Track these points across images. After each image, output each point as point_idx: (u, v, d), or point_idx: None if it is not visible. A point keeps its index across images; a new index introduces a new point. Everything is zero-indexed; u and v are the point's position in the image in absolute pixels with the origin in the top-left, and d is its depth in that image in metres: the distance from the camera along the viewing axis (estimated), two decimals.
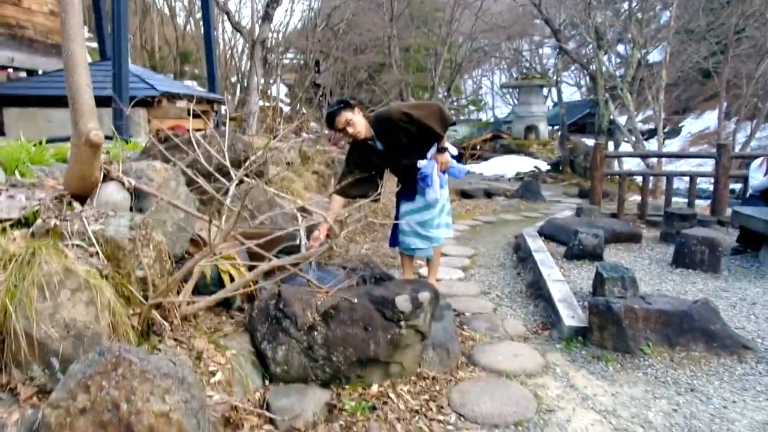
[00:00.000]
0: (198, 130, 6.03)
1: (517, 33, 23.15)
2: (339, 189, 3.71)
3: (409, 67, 27.00)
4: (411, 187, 3.77)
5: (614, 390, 2.77)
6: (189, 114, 3.19)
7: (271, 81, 29.83)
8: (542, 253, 4.92)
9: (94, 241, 2.22)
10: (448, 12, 21.60)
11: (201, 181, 2.73)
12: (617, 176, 7.87)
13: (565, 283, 4.11)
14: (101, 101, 2.42)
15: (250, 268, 3.27)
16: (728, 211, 7.07)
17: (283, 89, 35.63)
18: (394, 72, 21.50)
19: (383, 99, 25.47)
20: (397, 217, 3.94)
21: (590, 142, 19.35)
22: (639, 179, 9.52)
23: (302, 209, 4.85)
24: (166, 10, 34.56)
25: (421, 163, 3.68)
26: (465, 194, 11.51)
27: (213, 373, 2.28)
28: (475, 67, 43.31)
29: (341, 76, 28.50)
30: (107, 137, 2.57)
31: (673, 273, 4.61)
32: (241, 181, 3.89)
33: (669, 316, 3.03)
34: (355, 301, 2.57)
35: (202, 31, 6.54)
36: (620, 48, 23.46)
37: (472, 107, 45.60)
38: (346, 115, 3.47)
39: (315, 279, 3.52)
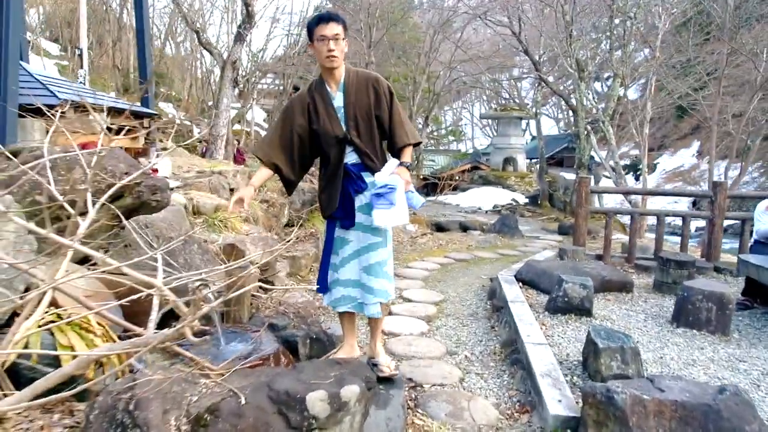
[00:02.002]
0: (125, 149, 5.19)
1: (497, 65, 22.91)
2: (260, 146, 2.95)
3: None
4: (350, 205, 2.75)
5: None
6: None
7: (248, 105, 29.21)
8: (520, 305, 4.14)
9: None
10: (428, 41, 21.29)
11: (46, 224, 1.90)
12: (603, 214, 7.20)
13: (547, 348, 3.32)
14: None
15: (122, 334, 2.42)
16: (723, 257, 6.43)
17: (262, 114, 35.01)
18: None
19: None
20: (329, 250, 2.84)
21: (569, 175, 18.96)
22: (625, 217, 8.94)
23: (231, 247, 4.00)
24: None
25: (384, 174, 2.68)
26: (439, 227, 10.78)
27: None
28: (456, 99, 43.41)
29: None
30: None
31: (675, 334, 3.85)
32: (130, 214, 3.05)
33: (689, 411, 2.25)
34: (243, 401, 1.72)
35: (135, 28, 5.69)
36: (597, 85, 23.40)
37: (451, 138, 45.52)
38: (340, 28, 2.62)
39: (220, 346, 2.67)
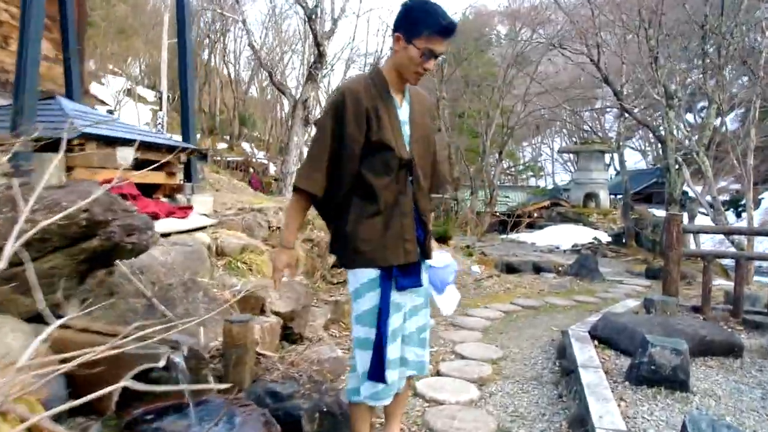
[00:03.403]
0: (157, 186, 4.98)
1: (576, 97, 21.83)
2: (303, 174, 2.08)
3: (461, 132, 26.13)
4: (415, 264, 2.13)
5: None
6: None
7: None
8: (593, 373, 3.34)
9: None
10: (501, 74, 20.71)
11: None
12: (700, 258, 6.15)
13: None
14: None
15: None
16: None
17: None
18: (443, 135, 20.50)
19: None
20: (385, 320, 2.03)
21: (659, 212, 17.34)
22: (728, 262, 7.72)
23: (247, 295, 3.54)
24: (231, 74, 35.88)
25: (444, 256, 2.30)
26: (510, 268, 9.94)
27: None
28: (535, 134, 42.18)
29: None
30: None
31: None
32: (106, 258, 2.65)
33: None
34: None
35: (177, 62, 5.57)
36: (689, 117, 21.63)
37: (529, 173, 44.07)
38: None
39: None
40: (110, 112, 27.86)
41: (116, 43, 32.52)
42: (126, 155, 4.09)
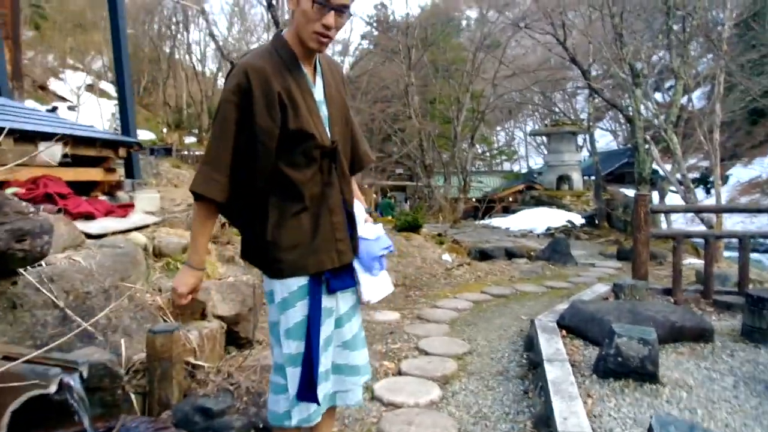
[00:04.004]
0: (93, 184, 4.61)
1: (546, 79, 21.73)
2: (203, 177, 1.70)
3: (433, 118, 25.89)
4: (347, 265, 1.87)
5: None
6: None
7: None
8: (558, 367, 3.13)
9: None
10: (469, 58, 20.48)
11: None
12: (670, 239, 6.02)
13: None
14: None
15: None
16: None
17: None
18: (414, 121, 20.25)
19: (404, 150, 24.30)
20: (316, 331, 1.76)
21: (630, 192, 17.40)
22: (699, 240, 7.64)
23: None
24: (198, 67, 34.92)
25: (374, 227, 1.98)
26: (483, 254, 9.76)
27: None
28: (507, 118, 42.17)
29: (367, 129, 27.71)
30: None
31: None
32: None
33: None
34: None
35: (110, 39, 5.14)
36: (657, 96, 21.71)
37: (503, 157, 44.17)
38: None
39: None
40: (71, 108, 26.86)
41: (74, 37, 31.35)
42: (53, 152, 3.73)
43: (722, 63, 9.20)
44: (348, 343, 1.95)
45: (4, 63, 4.84)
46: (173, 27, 32.25)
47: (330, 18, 1.65)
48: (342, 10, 1.69)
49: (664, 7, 10.30)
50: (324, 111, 1.81)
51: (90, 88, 31.27)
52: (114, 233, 3.79)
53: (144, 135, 27.93)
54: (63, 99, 28.69)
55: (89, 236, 3.56)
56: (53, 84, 30.60)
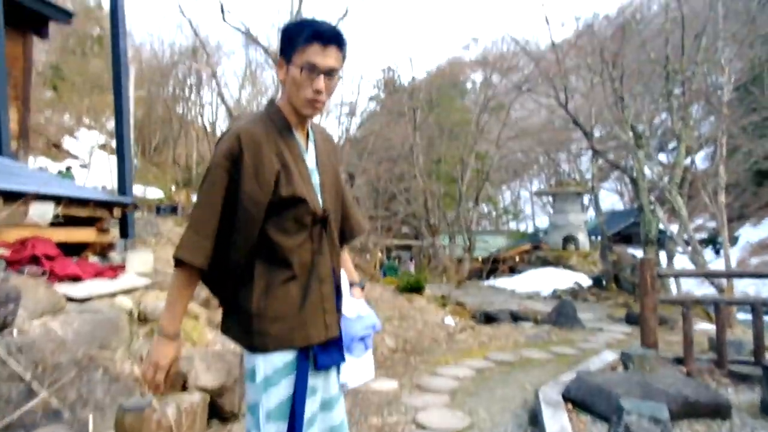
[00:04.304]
0: (84, 245, 4.53)
1: (548, 140, 22.02)
2: (188, 242, 1.59)
3: (438, 178, 26.12)
4: (337, 337, 1.73)
5: None
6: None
7: None
8: None
9: None
10: (474, 120, 20.86)
11: None
12: (679, 304, 5.81)
13: None
14: None
15: None
16: None
17: None
18: (419, 181, 20.40)
19: (409, 209, 24.37)
20: (301, 410, 1.61)
21: (638, 253, 17.17)
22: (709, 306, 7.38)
23: None
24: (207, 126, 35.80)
25: (358, 304, 1.83)
26: (488, 317, 9.51)
27: None
28: (512, 178, 42.53)
29: (372, 188, 27.95)
30: None
31: None
32: None
33: None
34: None
35: (113, 94, 5.20)
36: (662, 157, 21.86)
37: (509, 216, 44.19)
38: (340, 58, 1.66)
39: None
40: (83, 166, 27.38)
41: (91, 98, 32.41)
42: (44, 212, 3.67)
43: (723, 126, 9.24)
44: (336, 429, 1.78)
45: (8, 122, 4.90)
46: (187, 89, 33.32)
47: (320, 82, 1.62)
48: (331, 74, 1.66)
49: (663, 72, 10.47)
50: (316, 178, 1.75)
51: (103, 147, 32.00)
52: (100, 296, 3.67)
53: (152, 193, 28.30)
54: (75, 157, 29.30)
55: (73, 300, 3.44)
56: (67, 142, 31.35)
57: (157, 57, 36.67)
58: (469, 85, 40.99)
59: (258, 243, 1.62)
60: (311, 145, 1.78)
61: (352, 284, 1.93)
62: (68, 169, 20.20)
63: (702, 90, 10.01)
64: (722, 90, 9.60)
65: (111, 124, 36.33)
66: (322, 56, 1.61)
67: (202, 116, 35.54)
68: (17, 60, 6.68)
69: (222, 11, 14.36)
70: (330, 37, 1.62)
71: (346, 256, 1.94)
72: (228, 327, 1.75)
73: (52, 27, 7.51)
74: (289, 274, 1.63)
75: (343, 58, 1.69)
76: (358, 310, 1.82)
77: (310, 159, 1.75)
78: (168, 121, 35.49)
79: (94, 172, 27.12)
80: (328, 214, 1.73)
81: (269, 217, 1.61)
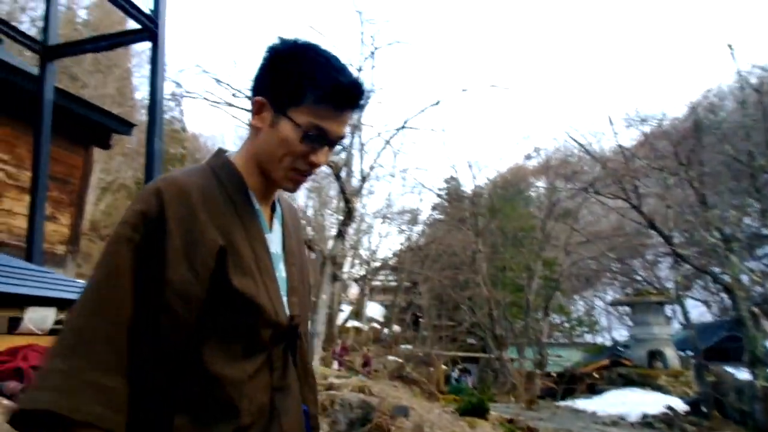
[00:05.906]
0: None
1: (620, 246, 20.69)
2: (72, 375, 0.88)
3: (504, 286, 24.92)
4: None
5: None
6: None
7: (363, 301, 29.12)
8: None
9: None
10: (539, 225, 20.09)
11: None
12: None
13: None
14: None
15: None
16: None
17: (380, 310, 34.55)
18: (482, 289, 19.43)
19: (474, 319, 23.08)
20: None
21: (740, 374, 14.93)
22: None
23: None
24: None
25: None
26: None
27: None
28: (585, 286, 40.18)
29: (435, 296, 27.09)
30: None
31: None
32: None
33: None
34: None
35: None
36: (752, 264, 19.88)
37: (583, 328, 41.18)
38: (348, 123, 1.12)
39: None
40: None
41: None
42: (40, 317, 3.29)
43: None
44: None
45: (42, 227, 4.78)
46: None
47: (323, 155, 1.10)
48: (340, 143, 1.15)
49: (747, 169, 9.57)
50: (281, 270, 1.14)
51: None
52: None
53: None
54: None
55: None
56: None
57: None
58: (533, 193, 40.55)
59: (183, 376, 0.97)
60: (277, 223, 1.19)
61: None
62: None
63: None
64: None
65: None
66: (337, 123, 1.08)
67: None
68: (76, 169, 6.87)
69: None
70: (353, 97, 1.08)
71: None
72: None
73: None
74: (231, 428, 0.98)
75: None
76: None
77: (274, 241, 1.15)
78: None
79: None
80: (296, 326, 1.12)
81: (203, 331, 0.98)
